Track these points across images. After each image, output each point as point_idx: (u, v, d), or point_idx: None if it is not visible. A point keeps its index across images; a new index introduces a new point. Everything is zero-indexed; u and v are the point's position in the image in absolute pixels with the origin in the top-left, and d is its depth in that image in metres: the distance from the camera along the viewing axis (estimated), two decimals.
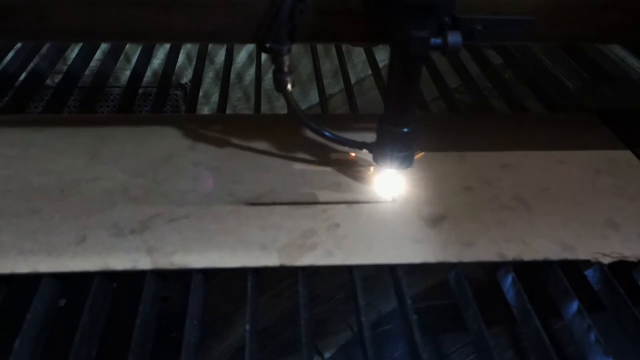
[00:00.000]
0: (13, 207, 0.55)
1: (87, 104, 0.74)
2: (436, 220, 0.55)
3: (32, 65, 0.83)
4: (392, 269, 0.51)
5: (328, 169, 0.61)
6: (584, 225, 0.55)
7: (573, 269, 0.52)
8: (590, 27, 0.51)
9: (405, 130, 0.53)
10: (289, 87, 0.52)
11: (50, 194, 0.57)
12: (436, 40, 0.43)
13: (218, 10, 0.48)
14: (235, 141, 0.65)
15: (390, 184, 0.59)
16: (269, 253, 0.51)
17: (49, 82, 0.84)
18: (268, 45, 0.49)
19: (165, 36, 0.54)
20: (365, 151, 0.57)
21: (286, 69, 0.51)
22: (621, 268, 0.52)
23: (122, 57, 0.95)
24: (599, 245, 0.53)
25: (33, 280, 0.49)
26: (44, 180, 0.58)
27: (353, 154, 0.63)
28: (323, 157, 0.63)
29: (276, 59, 0.50)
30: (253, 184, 0.59)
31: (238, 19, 0.48)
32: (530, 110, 0.76)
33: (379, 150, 0.55)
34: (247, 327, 0.45)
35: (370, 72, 1.28)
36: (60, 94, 0.76)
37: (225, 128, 0.67)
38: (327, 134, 0.57)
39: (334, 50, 1.07)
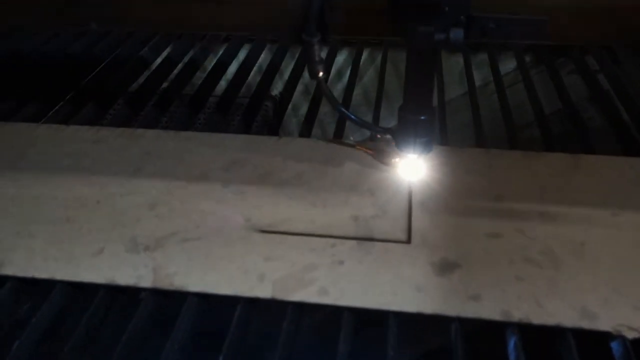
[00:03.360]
0: (52, 215, 0.60)
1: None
2: (446, 268, 0.52)
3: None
4: (383, 315, 0.49)
5: (350, 201, 0.60)
6: (616, 291, 0.49)
7: (591, 339, 0.46)
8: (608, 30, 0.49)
9: (423, 117, 0.55)
10: (320, 74, 0.60)
11: (86, 204, 0.61)
12: (440, 36, 0.47)
13: (260, 7, 0.61)
14: (271, 164, 0.66)
15: (410, 172, 0.62)
16: (265, 284, 0.51)
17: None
18: (302, 37, 0.57)
19: (217, 27, 0.71)
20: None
21: (317, 59, 0.58)
22: None
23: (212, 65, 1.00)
24: (627, 317, 0.47)
25: (50, 285, 0.53)
26: (85, 191, 0.63)
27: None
28: (352, 187, 0.62)
29: (308, 49, 0.57)
30: (272, 211, 0.59)
31: (277, 14, 0.60)
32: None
33: (400, 136, 0.58)
34: (220, 358, 0.46)
35: (460, 92, 1.23)
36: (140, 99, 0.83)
37: (267, 150, 0.68)
38: (353, 117, 0.63)
39: None
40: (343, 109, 0.63)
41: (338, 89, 1.30)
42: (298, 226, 0.57)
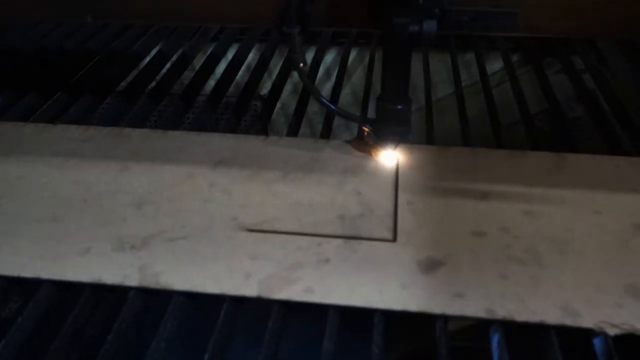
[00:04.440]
0: (39, 214, 0.60)
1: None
2: (432, 266, 0.52)
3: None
4: (368, 313, 0.49)
5: (337, 200, 0.60)
6: (599, 289, 0.50)
7: (574, 336, 0.47)
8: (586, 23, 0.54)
9: (399, 107, 0.58)
10: (301, 65, 0.61)
11: (74, 204, 0.61)
12: (414, 27, 0.50)
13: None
14: (258, 164, 0.66)
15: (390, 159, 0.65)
16: (250, 283, 0.51)
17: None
18: (283, 29, 0.58)
19: (214, 19, 0.68)
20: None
21: (298, 49, 0.60)
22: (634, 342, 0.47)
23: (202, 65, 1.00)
24: (609, 314, 0.47)
25: (35, 284, 0.53)
26: (72, 190, 0.63)
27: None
28: (339, 186, 0.62)
29: (289, 40, 0.59)
30: (258, 210, 0.59)
31: (269, 6, 0.59)
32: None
33: (378, 125, 0.61)
34: (206, 356, 0.46)
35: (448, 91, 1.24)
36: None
37: (254, 149, 0.68)
38: (334, 108, 0.67)
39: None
40: (324, 100, 0.64)
41: (327, 89, 1.30)
42: (284, 225, 0.58)
